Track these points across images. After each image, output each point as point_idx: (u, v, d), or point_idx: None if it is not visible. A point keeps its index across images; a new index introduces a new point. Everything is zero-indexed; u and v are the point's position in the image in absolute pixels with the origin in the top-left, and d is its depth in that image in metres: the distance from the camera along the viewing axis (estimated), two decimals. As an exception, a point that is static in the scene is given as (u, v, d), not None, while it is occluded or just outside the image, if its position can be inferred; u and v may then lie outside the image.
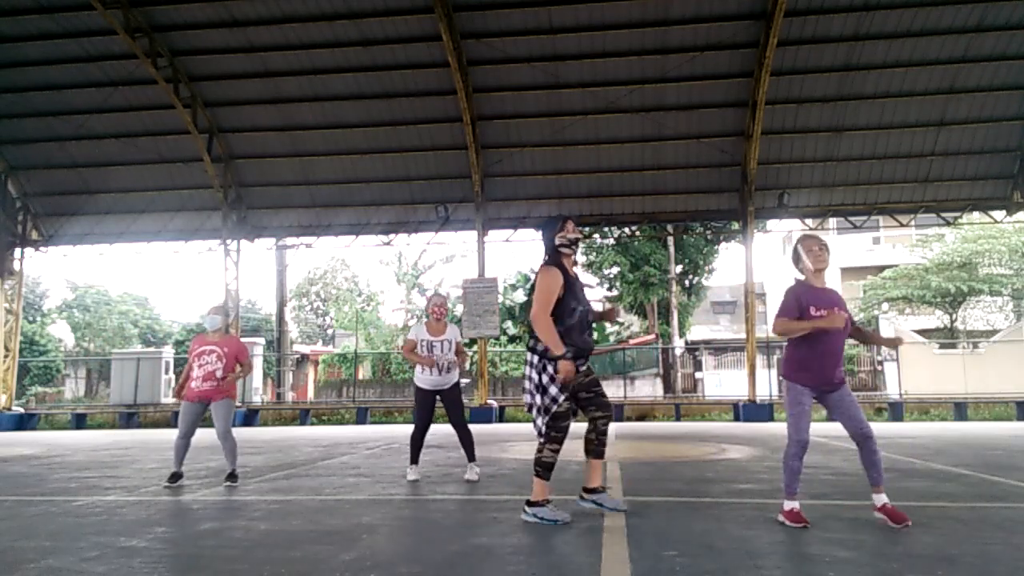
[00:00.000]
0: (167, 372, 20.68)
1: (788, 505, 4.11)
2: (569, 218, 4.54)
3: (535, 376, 4.32)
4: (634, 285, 26.49)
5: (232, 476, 6.19)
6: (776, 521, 4.15)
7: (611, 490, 5.55)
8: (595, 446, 4.33)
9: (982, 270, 24.55)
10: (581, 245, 27.41)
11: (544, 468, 4.27)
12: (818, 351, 4.09)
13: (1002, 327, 24.06)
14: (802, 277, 4.28)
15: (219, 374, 6.12)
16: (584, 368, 4.38)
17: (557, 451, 4.26)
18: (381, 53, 15.97)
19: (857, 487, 5.71)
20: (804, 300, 4.11)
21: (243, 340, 20.12)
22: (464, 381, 6.89)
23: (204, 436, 6.86)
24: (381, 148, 17.78)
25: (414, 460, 6.41)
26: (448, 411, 6.46)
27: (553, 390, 4.23)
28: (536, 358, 4.31)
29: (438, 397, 6.44)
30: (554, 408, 4.25)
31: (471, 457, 6.42)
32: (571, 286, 4.35)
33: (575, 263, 4.65)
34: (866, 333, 4.53)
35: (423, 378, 6.36)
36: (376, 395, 25.11)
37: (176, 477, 6.10)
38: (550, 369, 4.24)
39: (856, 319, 28.22)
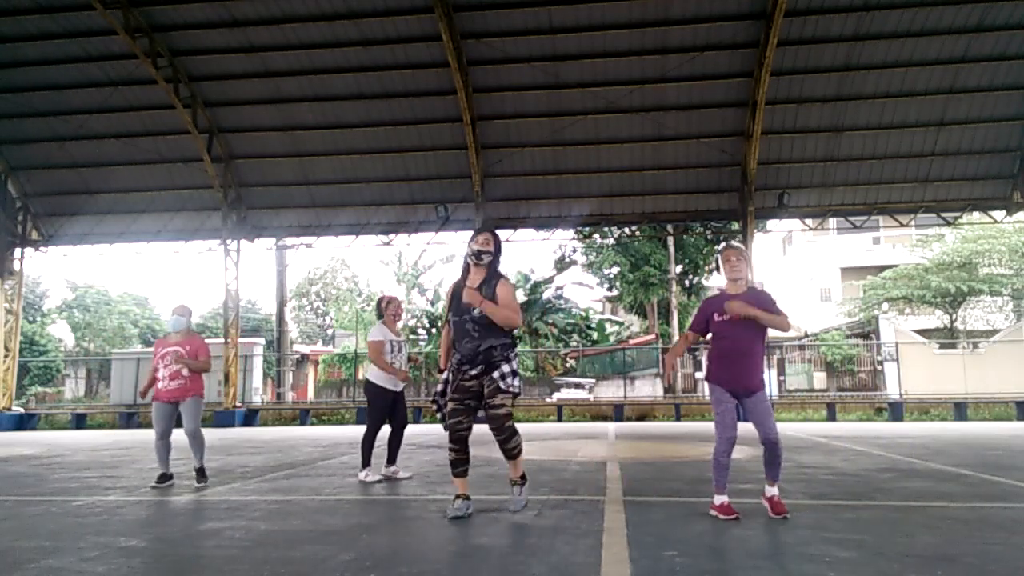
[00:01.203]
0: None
1: (718, 500, 4.32)
2: (484, 231, 4.63)
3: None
4: (634, 285, 26.51)
5: (201, 472, 6.24)
6: (710, 515, 4.31)
7: (611, 489, 5.56)
8: (500, 448, 4.56)
9: (982, 270, 24.54)
10: (581, 245, 27.57)
11: (449, 465, 4.58)
12: (723, 352, 4.39)
13: (1002, 327, 24.06)
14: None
15: (185, 372, 6.18)
16: (479, 375, 4.47)
17: (452, 450, 4.52)
18: (381, 53, 15.97)
19: (857, 487, 5.72)
20: (711, 309, 4.46)
21: (243, 340, 20.39)
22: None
23: (207, 437, 6.84)
24: (381, 148, 17.79)
25: (368, 463, 6.41)
26: (398, 412, 6.63)
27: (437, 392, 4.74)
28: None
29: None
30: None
31: (395, 459, 6.58)
32: (453, 296, 4.60)
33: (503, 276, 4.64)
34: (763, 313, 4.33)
35: (387, 379, 6.47)
36: (376, 395, 25.08)
37: (165, 478, 6.12)
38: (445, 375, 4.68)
39: (855, 319, 27.77)
